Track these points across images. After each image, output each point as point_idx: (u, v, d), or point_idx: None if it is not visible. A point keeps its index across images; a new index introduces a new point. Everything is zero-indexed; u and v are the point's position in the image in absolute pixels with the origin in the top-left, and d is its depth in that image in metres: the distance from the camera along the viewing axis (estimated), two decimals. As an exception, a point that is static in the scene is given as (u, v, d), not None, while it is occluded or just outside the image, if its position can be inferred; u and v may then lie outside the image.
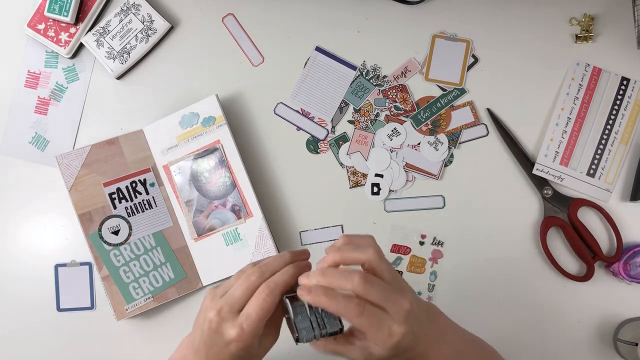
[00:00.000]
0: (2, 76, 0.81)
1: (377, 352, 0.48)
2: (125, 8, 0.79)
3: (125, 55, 0.79)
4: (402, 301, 0.47)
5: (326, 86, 0.80)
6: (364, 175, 0.79)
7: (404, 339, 0.47)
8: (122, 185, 0.77)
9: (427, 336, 0.50)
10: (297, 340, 0.48)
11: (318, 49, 0.81)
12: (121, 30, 0.79)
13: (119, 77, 0.81)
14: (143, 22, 0.79)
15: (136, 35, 0.79)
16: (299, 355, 0.77)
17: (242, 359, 0.50)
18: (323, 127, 0.80)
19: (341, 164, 0.80)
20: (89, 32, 0.79)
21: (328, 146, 0.80)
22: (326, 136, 0.80)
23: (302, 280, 0.47)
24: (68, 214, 0.78)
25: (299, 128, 0.80)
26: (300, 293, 0.47)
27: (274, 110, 0.80)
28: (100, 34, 0.79)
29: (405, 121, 0.79)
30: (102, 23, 0.79)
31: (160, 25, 0.79)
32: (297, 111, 0.80)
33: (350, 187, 0.79)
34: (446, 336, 0.54)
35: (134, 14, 0.79)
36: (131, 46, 0.79)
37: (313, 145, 0.80)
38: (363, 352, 0.49)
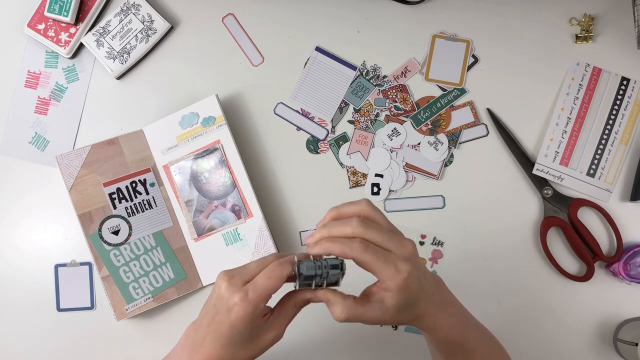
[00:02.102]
0: (2, 76, 0.81)
1: (390, 301, 0.48)
2: (125, 8, 0.79)
3: (125, 55, 0.79)
4: (404, 242, 0.49)
5: (326, 86, 0.80)
6: (364, 175, 0.79)
7: (412, 277, 0.48)
8: (122, 185, 0.77)
9: (433, 295, 0.52)
10: (297, 273, 0.49)
11: (318, 49, 0.81)
12: (121, 30, 0.79)
13: (119, 77, 0.81)
14: (143, 22, 0.79)
15: (136, 35, 0.79)
16: (300, 353, 0.78)
17: (241, 336, 0.50)
18: (323, 127, 0.80)
19: (341, 164, 0.80)
20: (89, 32, 0.79)
21: (328, 146, 0.80)
22: (326, 136, 0.80)
23: (308, 239, 0.50)
24: (68, 214, 0.78)
25: (299, 128, 0.80)
26: (308, 250, 0.49)
27: (274, 110, 0.80)
28: (100, 34, 0.79)
29: (405, 121, 0.79)
30: (102, 23, 0.79)
31: (160, 25, 0.79)
32: (297, 111, 0.80)
33: (350, 187, 0.79)
34: (452, 307, 0.55)
35: (134, 14, 0.79)
36: (131, 46, 0.79)
37: (313, 145, 0.80)
38: (380, 308, 0.49)
